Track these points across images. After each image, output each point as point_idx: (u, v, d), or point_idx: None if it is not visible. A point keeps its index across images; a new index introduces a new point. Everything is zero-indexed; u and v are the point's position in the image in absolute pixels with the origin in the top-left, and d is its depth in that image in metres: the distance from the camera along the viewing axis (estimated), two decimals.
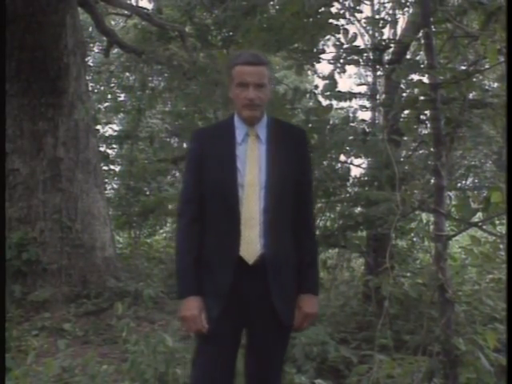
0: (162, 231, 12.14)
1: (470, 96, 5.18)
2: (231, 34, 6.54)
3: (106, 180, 11.28)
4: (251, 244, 2.80)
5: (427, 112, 4.96)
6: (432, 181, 4.53)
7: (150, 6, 11.52)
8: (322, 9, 5.55)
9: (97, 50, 13.43)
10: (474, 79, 5.52)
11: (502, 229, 4.63)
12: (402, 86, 5.90)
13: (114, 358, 5.28)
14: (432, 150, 4.41)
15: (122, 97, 11.88)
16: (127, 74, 11.35)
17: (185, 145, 11.46)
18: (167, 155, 10.14)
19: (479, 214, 4.31)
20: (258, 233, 2.81)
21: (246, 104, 2.83)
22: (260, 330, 2.88)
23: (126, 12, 10.56)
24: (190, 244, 2.89)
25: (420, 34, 4.58)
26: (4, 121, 3.24)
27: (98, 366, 4.60)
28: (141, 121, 11.18)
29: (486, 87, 5.94)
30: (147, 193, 11.13)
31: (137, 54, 9.34)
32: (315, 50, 6.10)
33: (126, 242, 11.48)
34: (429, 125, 5.04)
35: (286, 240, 2.90)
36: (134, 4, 11.56)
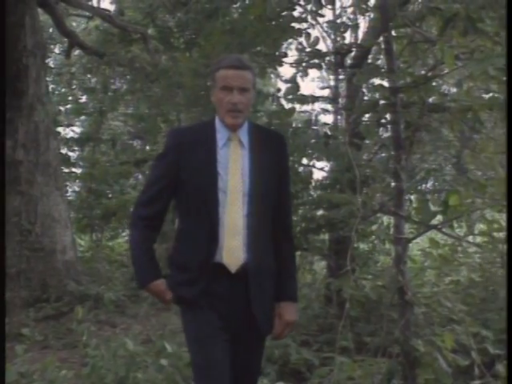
0: (124, 234, 12.04)
1: (430, 100, 5.26)
2: (194, 36, 6.53)
3: (67, 183, 11.14)
4: (234, 252, 2.74)
5: (388, 116, 5.02)
6: (392, 184, 4.57)
7: (111, 8, 11.42)
8: (285, 12, 5.58)
9: (58, 52, 13.26)
10: (434, 83, 5.60)
11: (461, 231, 4.71)
12: (363, 89, 5.95)
13: (74, 363, 5.22)
14: (392, 153, 4.46)
15: (83, 99, 11.76)
16: (89, 75, 11.24)
17: (148, 147, 11.39)
18: (129, 158, 10.08)
19: (439, 217, 4.37)
20: (241, 240, 2.75)
21: (229, 109, 2.77)
22: (239, 342, 2.80)
23: (87, 13, 10.45)
24: (144, 240, 2.84)
25: (380, 39, 4.63)
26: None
27: (57, 371, 4.53)
28: (103, 123, 11.09)
29: (445, 92, 6.02)
30: (109, 195, 11.03)
31: (98, 55, 9.26)
32: (278, 54, 6.13)
33: (88, 246, 11.36)
34: (389, 128, 5.10)
35: (267, 248, 2.85)
36: (96, 5, 11.43)
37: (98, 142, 11.13)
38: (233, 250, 2.73)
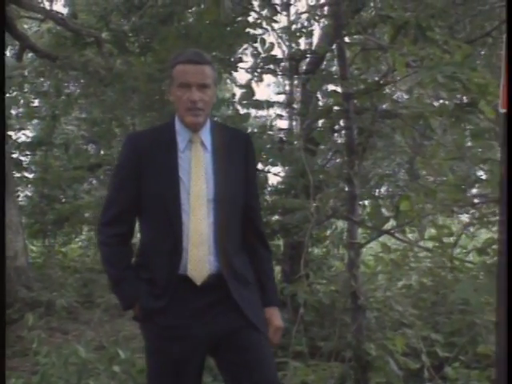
0: (77, 240, 11.86)
1: (384, 106, 5.33)
2: (149, 40, 6.49)
3: (19, 188, 10.94)
4: (200, 263, 2.55)
5: (341, 121, 5.08)
6: (346, 189, 4.61)
7: (64, 11, 11.27)
8: (239, 18, 5.60)
9: (9, 55, 13.03)
10: (387, 90, 5.69)
11: (413, 236, 4.78)
12: (317, 95, 6.00)
13: (24, 371, 5.11)
14: (345, 158, 4.51)
15: (35, 102, 11.56)
16: (41, 79, 11.06)
17: (102, 152, 11.26)
18: (83, 162, 9.93)
19: (393, 222, 4.44)
20: (207, 250, 2.56)
21: (188, 107, 2.57)
22: (233, 342, 2.59)
23: (39, 16, 10.29)
24: (121, 257, 2.66)
25: (334, 46, 4.67)
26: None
27: (7, 380, 4.44)
28: (56, 127, 10.92)
29: (397, 98, 6.12)
30: (62, 200, 10.86)
31: (51, 59, 9.11)
32: (233, 59, 6.14)
33: (40, 251, 11.16)
34: (342, 134, 5.15)
35: (239, 255, 2.67)
36: (48, 8, 11.26)
37: (51, 147, 10.94)
38: (198, 260, 2.55)
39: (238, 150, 2.72)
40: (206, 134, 2.67)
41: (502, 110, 1.90)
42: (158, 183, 2.58)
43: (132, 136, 2.91)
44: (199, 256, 2.55)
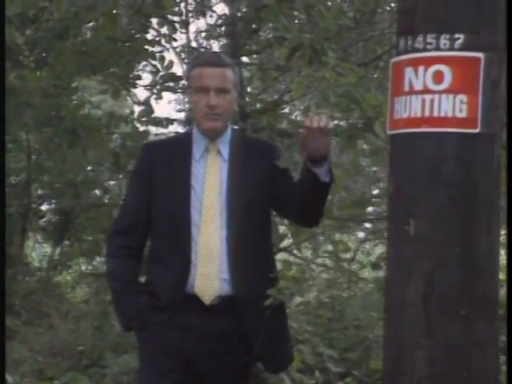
0: None
1: (283, 125, 5.42)
2: (44, 55, 6.32)
3: None
4: (209, 280, 2.35)
5: None
6: None
7: None
8: (138, 35, 5.55)
9: None
10: (287, 110, 5.79)
11: (314, 253, 4.87)
12: None
13: None
14: None
15: None
16: None
17: None
18: None
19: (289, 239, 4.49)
20: (218, 266, 2.36)
21: (206, 113, 2.38)
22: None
23: None
24: (127, 271, 2.49)
25: None
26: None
27: None
28: None
29: (295, 118, 6.24)
30: None
31: None
32: (131, 76, 6.07)
33: None
34: None
35: (259, 274, 2.44)
36: None
37: None
38: (207, 277, 2.35)
39: (259, 161, 2.48)
40: (224, 143, 2.48)
41: (389, 132, 1.97)
42: (168, 193, 2.43)
43: (147, 145, 2.78)
44: (208, 273, 2.36)
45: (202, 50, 5.68)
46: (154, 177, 2.46)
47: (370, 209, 6.05)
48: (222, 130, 2.46)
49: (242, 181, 2.42)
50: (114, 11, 3.88)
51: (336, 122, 4.60)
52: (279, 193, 2.47)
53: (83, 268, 7.56)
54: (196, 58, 2.59)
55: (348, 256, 4.50)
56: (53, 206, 7.34)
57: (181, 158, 2.45)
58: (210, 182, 2.41)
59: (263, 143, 2.84)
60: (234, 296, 2.38)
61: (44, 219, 7.35)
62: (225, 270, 2.37)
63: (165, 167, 2.46)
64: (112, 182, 6.96)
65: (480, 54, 1.76)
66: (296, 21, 4.80)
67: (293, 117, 6.17)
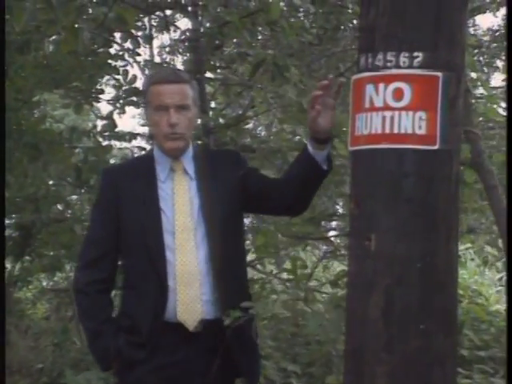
0: None
1: (246, 141, 5.43)
2: (5, 68, 6.25)
3: None
4: (190, 304, 2.28)
5: None
6: None
7: None
8: (101, 49, 5.52)
9: None
10: (250, 125, 5.80)
11: (272, 268, 4.87)
12: None
13: None
14: None
15: None
16: None
17: None
18: None
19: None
20: (198, 290, 2.29)
21: (167, 132, 2.32)
22: None
23: None
24: (101, 308, 2.40)
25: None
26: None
27: None
28: None
29: (259, 134, 6.27)
30: None
31: None
32: (94, 90, 6.03)
33: None
34: None
35: (239, 289, 2.41)
36: None
37: None
38: (189, 302, 2.28)
39: (226, 171, 2.45)
40: (188, 161, 2.43)
41: (351, 149, 1.99)
42: (137, 218, 2.35)
43: (107, 170, 2.73)
44: (190, 297, 2.29)
45: (165, 65, 5.68)
46: (120, 204, 2.39)
47: (333, 224, 6.09)
48: (184, 148, 2.42)
49: (214, 196, 2.37)
50: (76, 25, 3.83)
51: (298, 137, 4.64)
52: (256, 190, 2.44)
53: (44, 284, 7.45)
54: (152, 75, 2.53)
55: (305, 272, 4.51)
56: (13, 220, 7.23)
57: (146, 181, 2.39)
58: (180, 202, 2.36)
59: (225, 152, 2.84)
60: (218, 318, 2.31)
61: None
62: (207, 292, 2.32)
63: (130, 192, 2.39)
64: (74, 197, 6.88)
65: (438, 73, 1.78)
66: (259, 37, 4.84)
67: (256, 132, 6.20)
